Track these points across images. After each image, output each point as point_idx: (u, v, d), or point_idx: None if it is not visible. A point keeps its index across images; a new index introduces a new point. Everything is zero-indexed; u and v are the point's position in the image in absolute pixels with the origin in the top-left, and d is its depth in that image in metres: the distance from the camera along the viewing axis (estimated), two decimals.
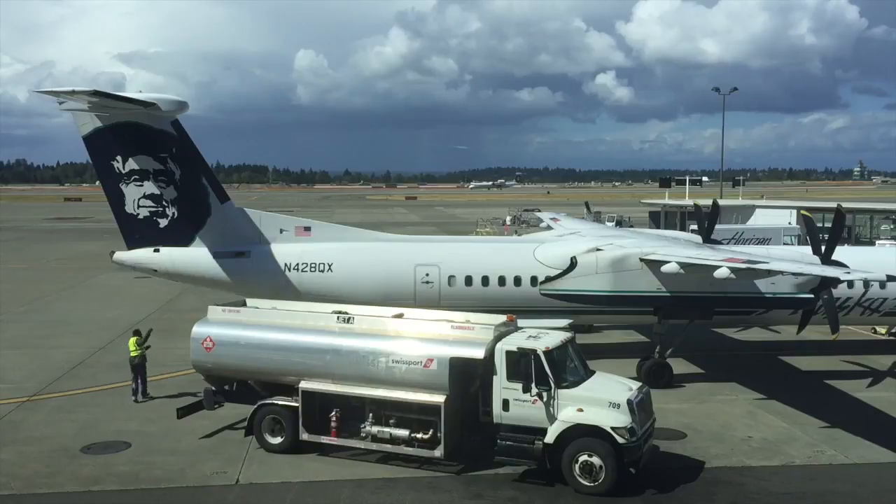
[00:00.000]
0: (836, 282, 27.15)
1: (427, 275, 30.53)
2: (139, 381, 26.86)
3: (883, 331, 38.34)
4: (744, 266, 25.13)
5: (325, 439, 21.19)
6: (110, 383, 28.80)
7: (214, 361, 22.42)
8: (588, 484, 18.88)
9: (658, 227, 75.30)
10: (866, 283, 29.18)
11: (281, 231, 31.54)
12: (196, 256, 30.55)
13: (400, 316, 22.53)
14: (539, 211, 68.66)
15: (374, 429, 20.61)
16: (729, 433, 23.74)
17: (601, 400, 19.16)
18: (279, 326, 22.12)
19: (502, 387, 19.59)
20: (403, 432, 20.33)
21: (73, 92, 27.14)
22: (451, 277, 30.58)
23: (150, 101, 28.47)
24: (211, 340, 22.30)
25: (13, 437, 22.97)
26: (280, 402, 21.74)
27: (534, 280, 30.29)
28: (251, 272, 30.68)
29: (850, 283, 29.25)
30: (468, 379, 20.36)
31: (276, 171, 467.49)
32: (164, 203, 30.07)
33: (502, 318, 21.71)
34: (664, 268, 27.44)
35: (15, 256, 72.54)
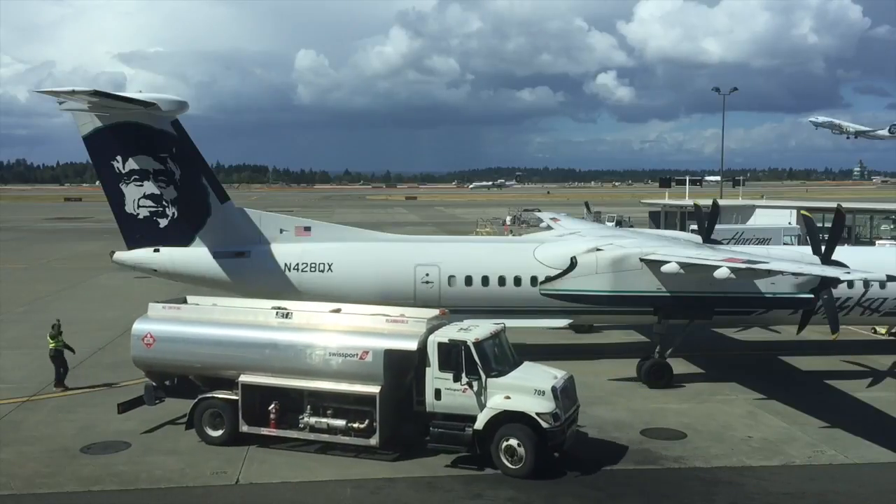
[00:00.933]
0: (836, 282, 27.15)
1: (427, 275, 30.54)
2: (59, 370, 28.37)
3: (883, 331, 38.33)
4: (744, 266, 25.14)
5: (264, 431, 21.81)
6: (110, 383, 28.78)
7: (155, 357, 22.87)
8: (512, 466, 19.87)
9: (658, 227, 75.25)
10: (866, 283, 29.19)
11: (281, 231, 31.56)
12: (196, 256, 30.57)
13: (337, 311, 23.05)
14: (539, 211, 68.61)
15: (313, 419, 21.37)
16: (729, 433, 23.72)
17: (527, 388, 20.17)
18: (219, 322, 22.74)
19: (434, 377, 20.51)
20: (340, 422, 21.12)
21: (73, 92, 27.17)
22: (451, 277, 30.59)
23: (150, 101, 28.50)
24: (151, 337, 22.74)
25: (13, 437, 22.97)
26: (220, 396, 22.29)
27: (534, 280, 30.29)
28: (251, 272, 30.69)
29: (850, 283, 29.25)
30: (402, 370, 21.14)
31: (276, 171, 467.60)
32: (164, 203, 30.08)
33: (435, 311, 22.68)
34: (664, 268, 27.45)
35: (15, 256, 72.54)
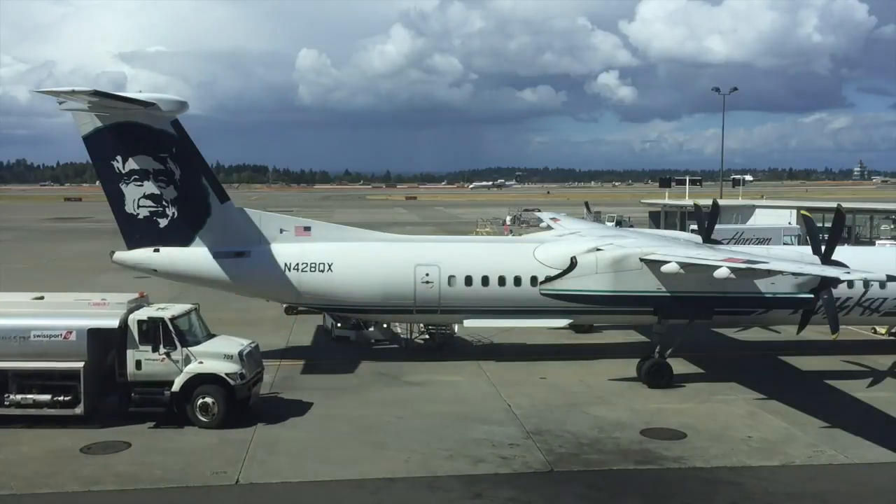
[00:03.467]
0: (836, 282, 27.20)
1: (427, 275, 30.55)
2: None
3: (883, 331, 38.33)
4: (744, 266, 25.17)
5: None
6: None
7: None
8: (206, 420, 23.23)
9: (658, 227, 75.30)
10: (866, 283, 29.18)
11: (281, 231, 31.59)
12: (196, 256, 30.59)
13: (41, 298, 24.99)
14: (539, 211, 68.59)
15: (18, 397, 23.32)
16: (729, 433, 23.73)
17: (218, 353, 23.77)
18: None
19: (136, 350, 23.51)
20: (46, 397, 23.28)
21: (73, 92, 27.19)
22: (451, 277, 30.60)
23: (150, 101, 28.53)
24: None
25: (13, 437, 22.95)
26: None
27: (534, 280, 30.31)
28: (251, 272, 30.73)
29: (850, 283, 29.27)
30: (105, 346, 23.88)
31: (276, 171, 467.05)
32: (164, 203, 30.10)
33: (134, 295, 25.41)
34: (664, 268, 27.48)
35: (15, 256, 72.48)
